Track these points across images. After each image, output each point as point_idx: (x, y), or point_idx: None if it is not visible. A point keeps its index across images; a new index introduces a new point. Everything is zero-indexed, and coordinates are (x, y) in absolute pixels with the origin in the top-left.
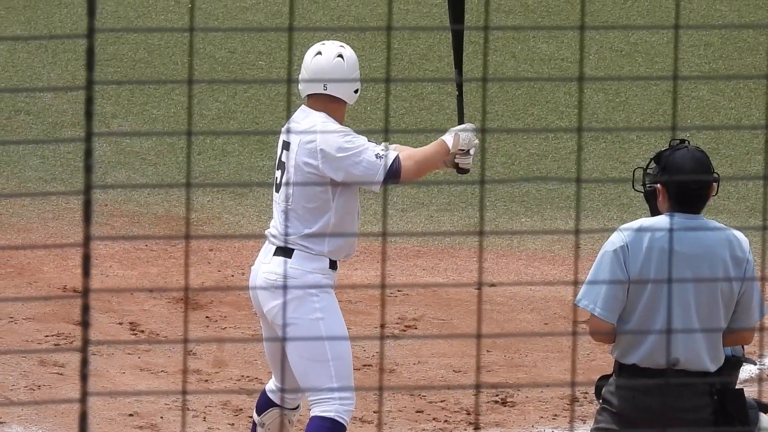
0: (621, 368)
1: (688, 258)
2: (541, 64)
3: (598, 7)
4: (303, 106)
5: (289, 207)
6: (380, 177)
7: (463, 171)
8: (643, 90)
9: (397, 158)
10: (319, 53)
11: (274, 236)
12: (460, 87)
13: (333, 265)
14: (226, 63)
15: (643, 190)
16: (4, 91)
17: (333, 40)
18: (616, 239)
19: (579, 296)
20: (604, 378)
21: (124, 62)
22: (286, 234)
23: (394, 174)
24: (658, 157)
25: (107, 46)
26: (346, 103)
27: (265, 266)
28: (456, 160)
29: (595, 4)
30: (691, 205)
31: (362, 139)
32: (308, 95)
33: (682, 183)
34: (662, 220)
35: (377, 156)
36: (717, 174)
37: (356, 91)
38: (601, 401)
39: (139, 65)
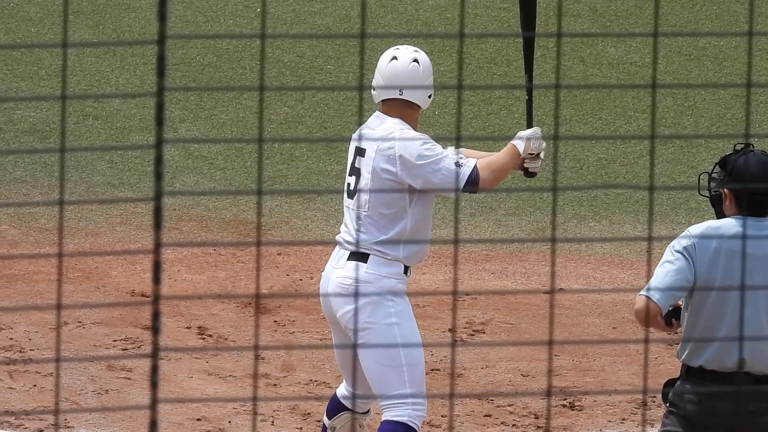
0: (688, 372)
1: (757, 260)
2: (610, 68)
3: (666, 11)
4: (377, 112)
5: (364, 213)
6: (459, 185)
7: (531, 175)
8: (711, 94)
9: (475, 167)
10: (395, 58)
11: (348, 242)
12: (530, 92)
13: (407, 270)
14: (295, 67)
15: (709, 195)
16: (74, 97)
17: (407, 45)
18: (684, 238)
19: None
20: (671, 382)
21: (192, 67)
22: (360, 240)
23: (472, 183)
24: (723, 162)
25: (176, 50)
26: (420, 108)
27: (339, 271)
28: (525, 165)
29: (663, 8)
30: (758, 209)
31: (440, 147)
32: (383, 101)
33: (748, 187)
34: (729, 222)
35: (457, 164)
36: None
37: (430, 96)
38: (668, 405)
39: (208, 70)
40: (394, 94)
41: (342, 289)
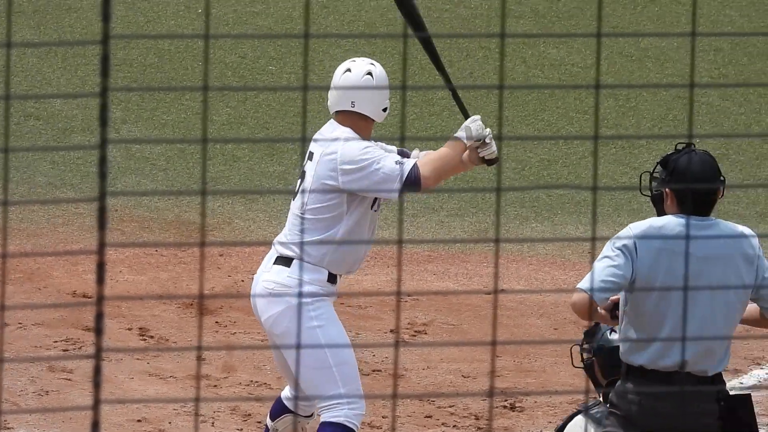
0: (628, 371)
1: (701, 260)
2: (552, 70)
3: (608, 12)
4: (331, 120)
5: (300, 215)
6: (398, 185)
7: (492, 162)
8: (653, 95)
9: (415, 165)
10: (349, 70)
11: (280, 243)
12: (451, 89)
13: (332, 278)
14: (237, 68)
15: (650, 194)
16: (16, 98)
17: (364, 57)
18: (624, 234)
19: (579, 284)
20: (612, 383)
21: (134, 67)
22: (289, 240)
23: (412, 181)
24: (665, 161)
25: (117, 51)
26: (374, 121)
27: (265, 275)
28: (480, 153)
29: (605, 9)
30: (699, 209)
31: (382, 151)
32: (336, 111)
33: (688, 186)
34: (672, 221)
35: (396, 163)
36: (723, 177)
37: (385, 110)
38: (608, 405)
39: (149, 70)
40: (346, 106)
41: (265, 292)
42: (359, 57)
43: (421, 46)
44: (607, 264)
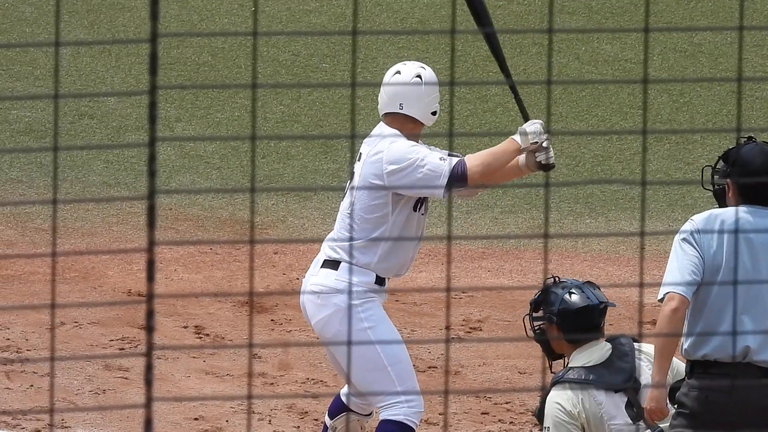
0: (692, 367)
1: (761, 246)
2: (605, 65)
3: (662, 8)
4: (381, 122)
5: (349, 214)
6: (443, 180)
7: (548, 167)
8: (707, 90)
9: (461, 160)
10: (398, 72)
11: (329, 245)
12: (513, 89)
13: (380, 281)
14: (290, 66)
15: (712, 189)
16: (68, 96)
17: (413, 60)
18: (687, 227)
19: (659, 295)
20: (679, 382)
21: (188, 66)
22: (338, 239)
23: (459, 176)
24: (726, 155)
25: (171, 49)
26: (422, 124)
27: (313, 278)
28: (538, 158)
29: (658, 4)
30: (762, 199)
31: (428, 150)
32: (385, 113)
33: (752, 176)
34: (732, 210)
35: (441, 159)
36: None
37: (434, 113)
38: (676, 405)
39: (203, 69)
40: (395, 108)
41: (314, 296)
42: (411, 60)
43: (486, 43)
44: (682, 260)
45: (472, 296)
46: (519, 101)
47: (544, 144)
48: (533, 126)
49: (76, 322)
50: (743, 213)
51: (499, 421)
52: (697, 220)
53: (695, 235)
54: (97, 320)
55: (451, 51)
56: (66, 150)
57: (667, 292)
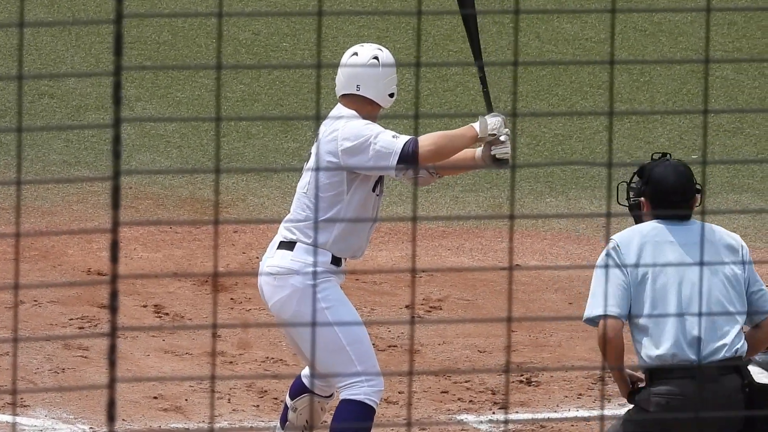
0: (651, 375)
1: (683, 247)
2: (566, 45)
3: None
4: (338, 104)
5: (304, 194)
6: (395, 158)
7: (501, 163)
8: (667, 70)
9: (412, 139)
10: (356, 54)
11: (285, 226)
12: (483, 78)
13: (336, 261)
14: (250, 45)
15: (627, 204)
16: (32, 77)
17: (371, 42)
18: (608, 246)
19: (585, 314)
20: (637, 391)
21: (148, 45)
22: (293, 220)
23: (410, 155)
24: (641, 171)
25: (131, 29)
26: (380, 106)
27: (269, 260)
28: (493, 152)
29: None
30: (675, 216)
31: (382, 129)
32: (342, 94)
33: (664, 195)
34: (652, 223)
35: (394, 137)
36: (699, 186)
37: (392, 95)
38: (634, 405)
39: (163, 48)
40: (352, 89)
41: (270, 278)
42: (370, 41)
43: (464, 26)
44: (611, 281)
45: (432, 275)
46: (486, 92)
47: (502, 138)
48: (495, 118)
49: (35, 300)
50: (660, 225)
51: (459, 399)
52: (616, 238)
53: (616, 251)
54: (57, 299)
55: (417, 32)
56: (29, 131)
57: (608, 313)
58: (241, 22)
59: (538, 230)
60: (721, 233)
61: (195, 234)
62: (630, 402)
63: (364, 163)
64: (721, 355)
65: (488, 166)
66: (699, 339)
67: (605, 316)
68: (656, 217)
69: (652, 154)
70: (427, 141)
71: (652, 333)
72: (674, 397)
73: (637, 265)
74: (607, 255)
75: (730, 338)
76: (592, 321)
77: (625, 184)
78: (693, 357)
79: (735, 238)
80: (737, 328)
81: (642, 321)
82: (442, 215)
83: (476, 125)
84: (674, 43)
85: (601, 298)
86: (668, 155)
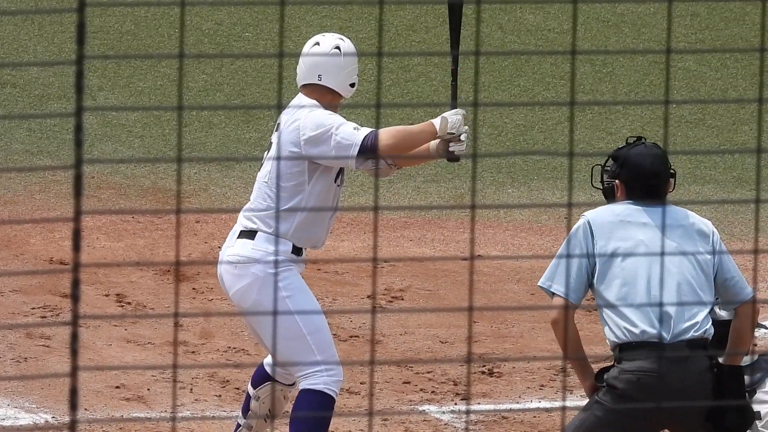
0: (621, 352)
1: (655, 229)
2: (528, 35)
3: None
4: (299, 94)
5: (264, 183)
6: (355, 150)
7: (453, 159)
8: (629, 61)
9: (373, 132)
10: (317, 43)
11: (245, 215)
12: (455, 71)
13: (297, 251)
14: (213, 35)
15: (601, 187)
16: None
17: (333, 32)
18: (579, 222)
19: (545, 278)
20: (606, 369)
21: (111, 34)
22: (254, 209)
23: (369, 147)
24: (615, 155)
25: (94, 18)
26: (341, 96)
27: (230, 249)
28: (451, 148)
29: None
30: (649, 198)
31: (343, 120)
32: (303, 84)
33: (639, 178)
34: (625, 203)
35: (354, 129)
36: (673, 170)
37: (353, 85)
38: (603, 384)
39: (126, 37)
40: (313, 79)
41: (231, 267)
42: (331, 32)
43: (448, 15)
44: (573, 262)
45: (394, 266)
46: (454, 86)
47: (462, 137)
48: (455, 117)
49: None
50: (634, 206)
51: (421, 390)
52: (588, 215)
53: (586, 227)
54: (19, 288)
55: (379, 22)
56: None
57: (556, 294)
58: (204, 11)
59: (500, 221)
60: (694, 218)
61: (157, 224)
62: (598, 382)
63: (326, 153)
64: (689, 335)
65: (442, 157)
66: (668, 317)
67: (553, 294)
68: (630, 199)
69: (627, 138)
70: (386, 135)
71: (622, 311)
72: (644, 374)
73: (606, 248)
74: (577, 232)
75: (699, 318)
76: (544, 290)
77: (599, 167)
78: (663, 335)
79: (707, 225)
80: (706, 310)
81: (611, 299)
82: (404, 205)
83: (436, 122)
84: (637, 34)
85: (555, 270)
86: (643, 139)
